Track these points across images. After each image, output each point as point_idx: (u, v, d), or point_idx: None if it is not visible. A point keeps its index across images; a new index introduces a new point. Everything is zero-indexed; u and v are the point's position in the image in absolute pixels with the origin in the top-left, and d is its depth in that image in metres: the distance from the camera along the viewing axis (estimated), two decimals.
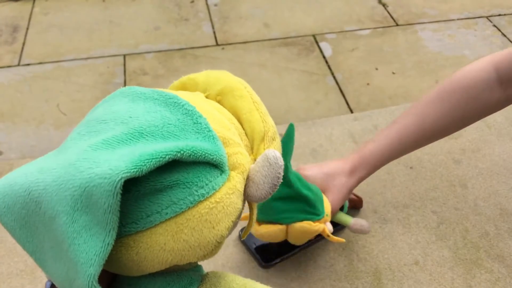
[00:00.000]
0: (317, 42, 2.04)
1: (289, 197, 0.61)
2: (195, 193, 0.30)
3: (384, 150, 0.67)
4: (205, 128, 0.32)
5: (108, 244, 0.27)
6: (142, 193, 0.30)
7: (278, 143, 0.38)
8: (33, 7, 2.20)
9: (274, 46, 2.03)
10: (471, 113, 0.68)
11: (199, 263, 0.39)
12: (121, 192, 0.27)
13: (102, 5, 2.21)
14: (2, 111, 1.70)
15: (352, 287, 0.66)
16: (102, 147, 0.29)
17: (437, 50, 2.00)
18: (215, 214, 0.31)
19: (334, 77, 1.88)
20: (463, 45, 2.03)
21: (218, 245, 0.32)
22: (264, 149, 0.36)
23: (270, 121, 0.38)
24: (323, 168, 0.68)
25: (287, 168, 0.59)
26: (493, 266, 0.68)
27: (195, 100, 0.35)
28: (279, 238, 0.64)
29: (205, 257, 0.32)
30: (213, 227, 0.31)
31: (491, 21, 2.15)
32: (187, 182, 0.30)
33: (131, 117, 0.32)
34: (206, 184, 0.31)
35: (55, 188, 0.28)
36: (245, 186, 0.34)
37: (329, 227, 0.64)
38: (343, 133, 0.88)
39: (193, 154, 0.30)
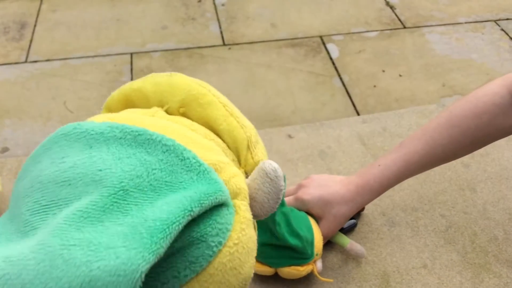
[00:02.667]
0: (324, 44, 2.04)
1: (276, 245, 0.62)
2: (212, 244, 0.26)
3: (390, 176, 0.65)
4: (194, 163, 0.27)
5: None
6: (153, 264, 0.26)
7: (261, 144, 0.34)
8: (41, 4, 2.20)
9: (281, 47, 2.03)
10: (482, 139, 0.65)
11: None
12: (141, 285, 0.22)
13: (110, 3, 2.21)
14: (8, 107, 1.71)
15: None
16: (85, 222, 0.23)
17: (444, 53, 2.00)
18: (238, 258, 0.27)
19: (340, 79, 1.87)
20: (471, 48, 2.02)
21: (248, 284, 0.29)
22: (253, 158, 0.33)
23: (247, 122, 0.34)
24: (322, 192, 0.66)
25: (274, 212, 0.59)
26: (501, 271, 0.68)
27: (163, 126, 0.30)
28: (269, 274, 0.65)
29: None
30: (240, 273, 0.28)
31: (499, 25, 2.14)
32: (201, 236, 0.26)
33: (100, 170, 0.25)
34: (220, 229, 0.27)
35: (39, 286, 0.22)
36: (250, 207, 0.31)
37: (318, 266, 0.65)
38: (351, 135, 0.88)
39: (202, 206, 0.26)
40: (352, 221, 0.72)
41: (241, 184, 0.30)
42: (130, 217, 0.24)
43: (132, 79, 1.81)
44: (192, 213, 0.25)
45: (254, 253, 0.29)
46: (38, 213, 0.25)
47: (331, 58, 1.97)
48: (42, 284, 0.21)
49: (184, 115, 0.34)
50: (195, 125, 0.33)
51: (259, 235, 0.62)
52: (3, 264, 0.22)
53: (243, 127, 0.33)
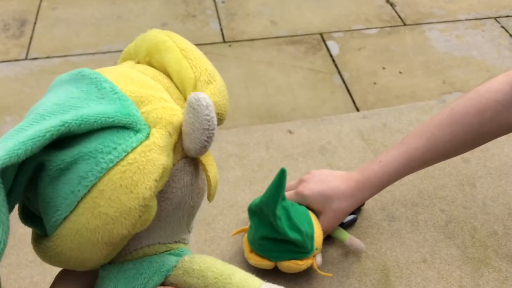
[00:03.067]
0: (324, 41, 2.04)
1: (276, 239, 0.62)
2: (101, 160, 0.28)
3: (391, 172, 0.65)
4: (110, 91, 0.30)
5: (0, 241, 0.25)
6: (52, 177, 0.28)
7: (217, 85, 0.34)
8: (41, 1, 2.20)
9: (281, 44, 2.02)
10: (484, 136, 0.65)
11: (186, 247, 0.37)
12: (0, 184, 0.25)
13: (110, 0, 2.21)
14: (9, 104, 1.71)
15: (360, 284, 0.66)
16: (3, 139, 0.27)
17: (445, 50, 2.00)
18: (129, 177, 0.28)
19: (341, 76, 1.87)
20: (471, 45, 2.02)
21: (144, 210, 0.29)
22: None
23: (204, 65, 0.34)
24: (323, 187, 0.67)
25: (275, 206, 0.59)
26: (501, 265, 0.68)
27: (114, 69, 0.33)
28: (268, 268, 0.66)
29: (135, 226, 0.29)
30: (131, 191, 0.28)
31: (499, 22, 2.14)
32: (90, 152, 0.28)
33: (40, 104, 0.30)
34: (114, 148, 0.28)
35: None
36: (182, 140, 0.31)
37: (318, 261, 0.65)
38: (352, 130, 0.88)
39: (83, 122, 0.28)
40: (352, 216, 0.72)
41: (163, 114, 0.30)
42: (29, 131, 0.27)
43: None
44: (66, 125, 0.27)
45: (154, 176, 0.29)
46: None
47: (331, 55, 1.97)
48: None
49: (149, 64, 0.36)
50: (149, 69, 0.35)
51: (259, 229, 0.63)
52: None
53: (193, 67, 0.33)
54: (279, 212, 0.61)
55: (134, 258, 0.34)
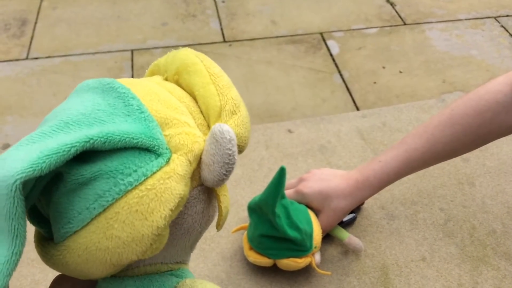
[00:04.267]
0: (324, 40, 2.04)
1: (275, 237, 0.62)
2: (121, 182, 0.27)
3: (390, 172, 0.65)
4: (136, 109, 0.29)
5: (14, 253, 0.25)
6: (69, 189, 0.28)
7: (241, 117, 0.33)
8: (41, 1, 2.21)
9: (281, 44, 2.03)
10: (484, 137, 0.65)
11: (186, 267, 0.37)
12: (21, 196, 0.24)
13: (110, 0, 2.21)
14: (10, 104, 1.71)
15: (359, 282, 0.66)
16: (24, 144, 0.27)
17: (445, 50, 2.00)
18: (146, 204, 0.28)
19: (341, 75, 1.88)
20: (471, 45, 2.02)
21: (156, 238, 0.29)
22: None
23: (231, 93, 0.34)
24: (322, 186, 0.67)
25: (274, 204, 0.59)
26: (499, 264, 0.69)
27: (142, 84, 0.33)
28: (268, 266, 0.66)
29: (145, 253, 0.29)
30: (146, 218, 0.28)
31: (499, 22, 2.14)
32: (110, 171, 0.27)
33: (64, 109, 0.29)
34: (135, 171, 0.28)
35: None
36: (200, 169, 0.31)
37: (316, 259, 0.66)
38: (351, 129, 0.88)
39: (108, 140, 0.27)
40: (352, 215, 0.73)
41: (185, 141, 0.30)
42: (51, 140, 0.27)
43: (133, 76, 1.82)
44: (91, 141, 0.26)
45: (170, 206, 0.28)
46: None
47: (331, 55, 1.97)
48: None
49: (177, 83, 0.35)
50: (177, 89, 0.34)
51: (258, 227, 0.63)
52: None
53: (220, 95, 0.33)
54: (279, 210, 0.61)
55: (135, 275, 0.33)
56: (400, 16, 2.16)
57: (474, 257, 0.69)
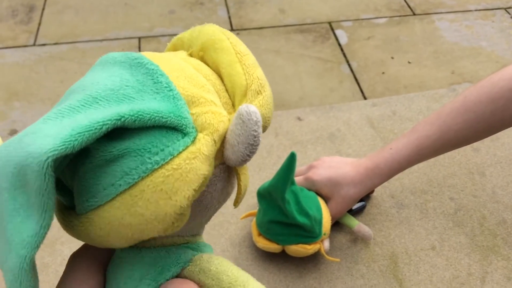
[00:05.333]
0: (332, 30, 2.03)
1: (285, 222, 0.62)
2: (148, 160, 0.27)
3: (402, 159, 0.65)
4: (165, 87, 0.29)
5: (43, 227, 0.25)
6: (95, 165, 0.28)
7: (266, 97, 0.33)
8: None
9: (290, 33, 2.02)
10: (496, 124, 0.64)
11: (202, 239, 0.37)
12: (52, 173, 0.24)
13: None
14: (17, 90, 1.71)
15: (368, 270, 0.66)
16: (53, 117, 0.26)
17: (454, 41, 1.98)
18: (171, 183, 0.28)
19: (349, 65, 1.87)
20: (481, 36, 2.00)
21: (178, 217, 0.29)
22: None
23: (256, 73, 0.33)
24: (332, 173, 0.67)
25: (284, 189, 0.59)
26: (510, 254, 0.68)
27: (168, 59, 0.32)
28: (276, 252, 0.66)
29: (166, 231, 0.29)
30: (170, 198, 0.28)
31: (509, 13, 2.12)
32: (138, 150, 0.27)
33: (92, 83, 0.29)
34: (162, 150, 0.28)
35: (1, 163, 0.26)
36: (224, 148, 0.31)
37: (325, 246, 0.65)
38: (361, 118, 0.87)
39: (138, 119, 0.27)
40: (361, 203, 0.72)
41: (211, 120, 0.29)
42: (81, 115, 0.26)
43: None
44: (122, 119, 0.26)
45: (194, 186, 0.28)
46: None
47: (339, 44, 1.96)
48: (4, 160, 0.26)
49: (202, 59, 0.34)
50: (203, 66, 0.34)
51: (268, 213, 0.63)
52: None
53: (246, 74, 0.32)
54: (288, 196, 0.61)
55: (152, 246, 0.33)
56: (409, 6, 2.14)
57: (484, 247, 0.69)
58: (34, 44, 1.89)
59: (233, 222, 0.71)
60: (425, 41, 1.98)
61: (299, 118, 0.88)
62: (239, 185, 0.34)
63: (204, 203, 0.33)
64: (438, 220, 0.73)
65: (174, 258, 0.34)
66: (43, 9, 2.07)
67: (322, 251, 0.64)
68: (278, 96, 1.74)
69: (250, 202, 0.73)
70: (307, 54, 1.91)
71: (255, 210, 0.68)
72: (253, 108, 0.28)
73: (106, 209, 0.28)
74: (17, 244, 0.25)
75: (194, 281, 0.34)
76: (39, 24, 2.00)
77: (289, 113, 0.89)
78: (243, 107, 0.28)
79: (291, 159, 0.57)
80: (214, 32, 0.34)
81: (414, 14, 2.11)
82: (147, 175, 0.27)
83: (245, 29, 2.01)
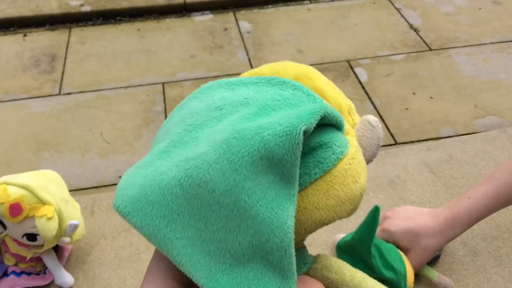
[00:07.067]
0: (352, 68, 2.06)
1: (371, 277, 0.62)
2: (336, 151, 0.32)
3: (481, 208, 0.64)
4: (317, 99, 0.34)
5: (294, 195, 0.29)
6: None
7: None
8: (69, 36, 2.23)
9: None
10: None
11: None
12: (301, 143, 0.28)
13: (138, 34, 2.24)
14: (46, 140, 1.72)
15: None
16: (245, 121, 0.30)
17: (473, 74, 2.01)
18: (354, 169, 0.32)
19: (372, 102, 1.88)
20: (499, 68, 2.03)
21: (361, 198, 0.33)
22: (353, 119, 0.37)
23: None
24: (410, 224, 0.66)
25: (370, 244, 0.59)
26: None
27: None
28: None
29: (352, 211, 0.33)
30: (356, 181, 0.32)
31: None
32: (328, 142, 0.32)
33: (246, 98, 0.32)
34: (341, 144, 0.32)
35: (224, 163, 0.28)
36: None
37: None
38: (418, 163, 0.88)
39: (331, 116, 0.31)
40: (436, 253, 0.72)
41: (347, 126, 0.35)
42: (281, 112, 0.31)
43: (165, 109, 1.83)
44: (326, 112, 0.30)
45: (366, 173, 0.33)
46: (194, 129, 0.32)
47: (360, 82, 1.98)
48: (225, 160, 0.28)
49: None
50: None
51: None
52: (186, 163, 0.29)
53: (344, 97, 0.38)
54: (372, 250, 0.60)
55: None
56: (425, 42, 2.18)
57: None
58: (59, 93, 1.91)
59: None
60: (444, 76, 2.00)
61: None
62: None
63: None
64: None
65: (302, 258, 0.37)
66: (65, 58, 2.10)
67: None
68: None
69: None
70: None
71: None
72: (374, 117, 0.35)
73: (298, 198, 0.31)
74: (280, 218, 0.28)
75: (318, 278, 0.38)
76: (63, 73, 2.02)
77: None
78: (370, 116, 0.35)
79: (376, 212, 0.57)
80: (300, 65, 0.39)
81: (431, 50, 2.14)
82: (338, 163, 0.32)
83: None
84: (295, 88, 0.34)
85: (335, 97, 0.37)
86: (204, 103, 0.33)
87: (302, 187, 0.31)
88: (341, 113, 0.37)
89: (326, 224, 0.33)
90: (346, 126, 0.34)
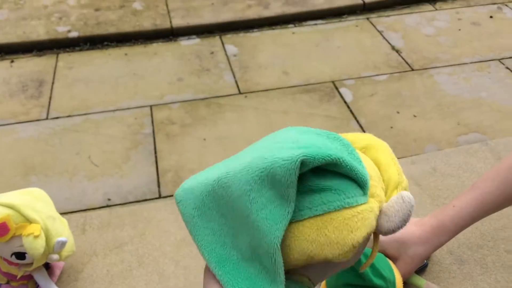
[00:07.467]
0: (337, 88, 2.09)
1: (360, 285, 0.63)
2: (343, 200, 0.35)
3: (466, 217, 0.66)
4: (357, 158, 0.38)
5: (289, 213, 0.33)
6: (299, 191, 0.35)
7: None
8: (57, 61, 2.25)
9: (295, 93, 2.07)
10: None
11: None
12: (298, 171, 0.33)
13: (125, 58, 2.26)
14: (34, 164, 1.71)
15: None
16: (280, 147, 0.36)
17: (455, 93, 2.06)
18: (355, 222, 0.35)
19: (357, 121, 1.91)
20: (479, 87, 2.08)
21: (352, 249, 0.35)
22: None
23: (403, 175, 0.44)
24: (398, 233, 0.68)
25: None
26: None
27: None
28: None
29: (339, 256, 0.36)
30: (352, 232, 0.35)
31: (503, 63, 2.22)
32: (338, 189, 0.36)
33: (298, 139, 0.38)
34: (352, 197, 0.36)
35: (243, 173, 0.35)
36: (378, 218, 0.38)
37: None
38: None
39: (347, 166, 0.35)
40: (424, 261, 0.73)
41: (380, 193, 0.38)
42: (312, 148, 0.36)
43: (153, 131, 1.84)
44: (341, 160, 0.35)
45: (368, 231, 0.36)
46: (251, 150, 0.38)
47: (345, 102, 2.02)
48: (245, 170, 0.35)
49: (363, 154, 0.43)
50: (367, 157, 0.43)
51: (342, 276, 0.64)
52: (225, 168, 0.37)
53: (399, 174, 0.42)
54: (363, 258, 0.61)
55: (293, 279, 0.39)
56: (407, 63, 2.23)
57: None
58: (47, 118, 1.92)
59: None
60: (427, 95, 2.05)
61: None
62: (373, 252, 0.41)
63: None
64: (499, 273, 0.73)
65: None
66: (53, 83, 2.11)
67: None
68: None
69: None
70: (315, 113, 1.96)
71: None
72: (412, 196, 0.38)
73: (295, 226, 0.35)
74: (271, 228, 0.33)
75: None
76: (50, 98, 2.03)
77: None
78: (405, 192, 0.38)
79: None
80: (375, 138, 0.45)
81: (413, 70, 2.20)
82: (341, 209, 0.35)
83: (252, 92, 2.06)
84: (343, 145, 0.38)
85: (388, 172, 0.42)
86: (276, 136, 0.40)
87: (301, 218, 0.35)
88: (388, 186, 0.41)
89: (315, 260, 0.36)
90: (375, 191, 0.38)
